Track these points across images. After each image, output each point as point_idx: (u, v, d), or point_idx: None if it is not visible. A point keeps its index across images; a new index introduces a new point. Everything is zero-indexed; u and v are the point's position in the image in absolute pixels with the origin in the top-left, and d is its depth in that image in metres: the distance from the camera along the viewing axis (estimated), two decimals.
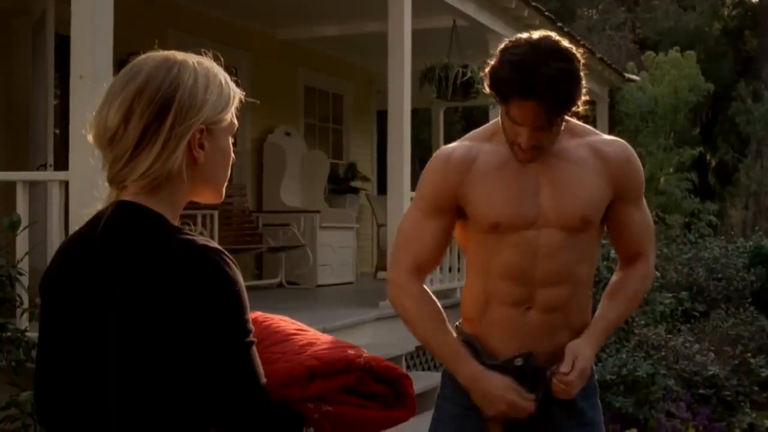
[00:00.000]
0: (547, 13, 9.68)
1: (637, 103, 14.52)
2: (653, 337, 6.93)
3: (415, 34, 7.52)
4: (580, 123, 2.70)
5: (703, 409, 6.35)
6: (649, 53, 16.56)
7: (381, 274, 9.82)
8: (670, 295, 8.32)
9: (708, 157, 21.43)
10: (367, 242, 12.16)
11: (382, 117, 10.45)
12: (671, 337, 7.11)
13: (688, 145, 16.47)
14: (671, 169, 15.26)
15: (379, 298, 7.17)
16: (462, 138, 2.71)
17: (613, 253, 7.77)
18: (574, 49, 2.45)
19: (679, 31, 21.74)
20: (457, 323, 2.73)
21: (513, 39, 2.47)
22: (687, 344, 7.02)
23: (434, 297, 2.67)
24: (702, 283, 9.37)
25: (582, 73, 2.44)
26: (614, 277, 2.77)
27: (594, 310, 2.75)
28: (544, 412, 2.59)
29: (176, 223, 1.70)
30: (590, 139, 2.64)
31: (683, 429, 6.09)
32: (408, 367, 6.97)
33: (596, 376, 2.77)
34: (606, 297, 2.72)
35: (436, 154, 2.68)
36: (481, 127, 2.75)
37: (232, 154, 1.78)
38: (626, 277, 2.73)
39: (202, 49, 1.76)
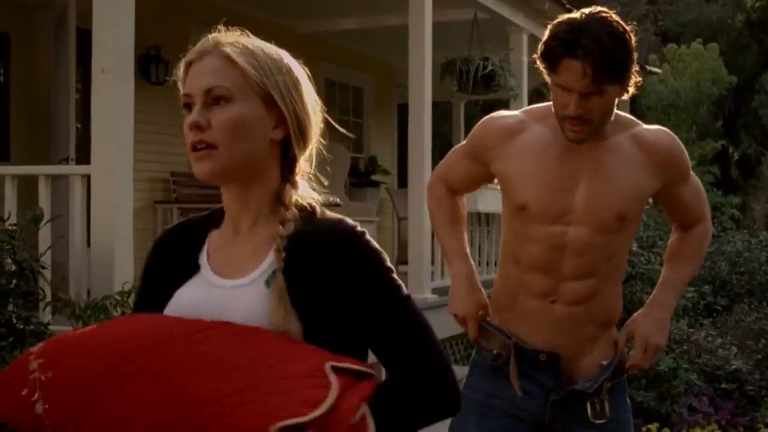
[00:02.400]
0: (568, 6, 9.63)
1: (659, 96, 14.46)
2: (675, 331, 6.89)
3: (436, 27, 7.50)
4: (624, 113, 2.70)
5: (725, 404, 6.31)
6: (671, 46, 16.48)
7: (402, 268, 9.81)
8: (693, 289, 8.28)
9: (730, 150, 21.27)
10: (388, 236, 12.15)
11: (402, 110, 10.43)
12: (693, 332, 7.08)
13: (711, 138, 16.40)
14: (693, 163, 15.18)
15: None
16: (521, 110, 2.73)
17: (635, 246, 7.73)
18: (625, 24, 2.48)
19: (701, 23, 21.59)
20: (489, 311, 2.76)
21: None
22: (709, 338, 6.98)
23: (457, 200, 2.86)
24: (724, 277, 9.32)
25: (633, 46, 2.46)
26: (673, 238, 2.82)
27: (618, 305, 2.75)
28: (560, 416, 2.61)
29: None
30: (634, 131, 2.63)
31: (705, 423, 6.05)
32: None
33: None
34: (669, 259, 2.80)
35: (489, 115, 2.76)
36: (538, 105, 2.75)
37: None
38: (685, 237, 2.79)
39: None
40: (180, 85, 1.68)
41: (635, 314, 2.74)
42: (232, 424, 1.39)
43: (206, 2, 8.95)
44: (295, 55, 1.75)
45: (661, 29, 23.21)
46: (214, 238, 1.72)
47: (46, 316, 4.57)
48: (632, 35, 2.47)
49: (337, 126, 1.80)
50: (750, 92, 20.02)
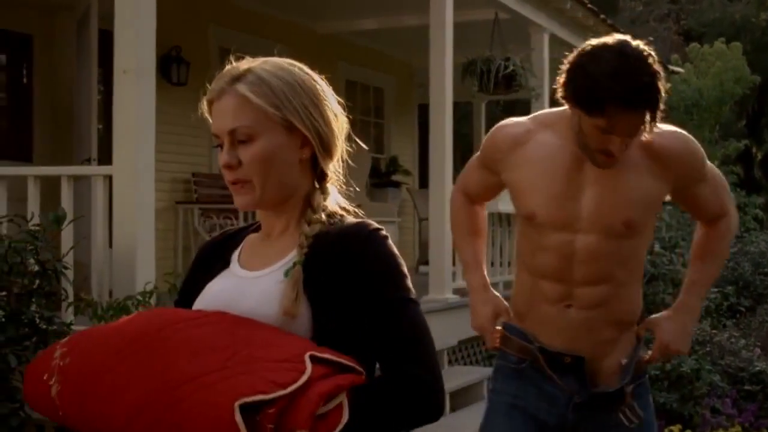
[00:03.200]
0: (590, 6, 9.59)
1: (682, 96, 14.37)
2: (698, 332, 6.85)
3: (457, 26, 7.48)
4: None
5: (749, 406, 6.26)
6: (694, 45, 16.37)
7: (423, 269, 9.81)
8: (716, 290, 8.22)
9: (754, 150, 21.12)
10: (409, 236, 12.15)
11: (423, 110, 10.42)
12: (717, 333, 7.03)
13: (734, 138, 16.30)
14: (716, 163, 15.07)
15: (422, 292, 7.16)
16: (529, 116, 2.71)
17: (658, 247, 7.69)
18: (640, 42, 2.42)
19: (724, 22, 21.46)
20: (510, 316, 2.77)
21: (588, 49, 2.39)
22: (733, 339, 6.93)
23: (476, 210, 2.91)
24: (748, 278, 9.25)
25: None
26: (698, 235, 2.79)
27: (638, 305, 2.74)
28: (583, 421, 2.61)
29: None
30: (642, 137, 2.58)
31: (729, 425, 6.01)
32: (450, 362, 6.95)
33: None
34: (695, 259, 2.78)
35: (498, 123, 2.75)
36: (547, 111, 2.72)
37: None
38: (710, 235, 2.75)
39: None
40: (207, 115, 1.76)
41: (659, 315, 2.74)
42: (204, 398, 1.50)
43: (226, 3, 8.97)
44: (315, 56, 1.76)
45: (684, 28, 23.07)
46: (249, 241, 1.84)
47: (68, 316, 4.59)
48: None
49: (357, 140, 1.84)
50: None
